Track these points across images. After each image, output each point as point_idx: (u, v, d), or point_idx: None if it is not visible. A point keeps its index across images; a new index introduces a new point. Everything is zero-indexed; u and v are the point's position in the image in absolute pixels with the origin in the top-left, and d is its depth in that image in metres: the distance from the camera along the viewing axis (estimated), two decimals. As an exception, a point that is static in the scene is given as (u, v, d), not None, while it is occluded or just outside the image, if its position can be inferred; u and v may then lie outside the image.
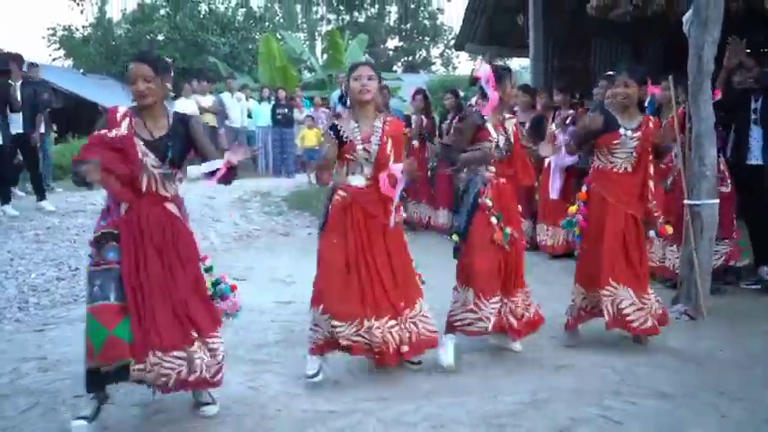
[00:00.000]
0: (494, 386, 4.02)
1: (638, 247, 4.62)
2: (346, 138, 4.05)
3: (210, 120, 14.56)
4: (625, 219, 4.57)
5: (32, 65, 11.89)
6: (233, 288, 3.89)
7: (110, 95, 20.24)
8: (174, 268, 3.51)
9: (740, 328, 5.03)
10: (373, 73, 4.09)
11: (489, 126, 4.41)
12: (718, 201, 5.33)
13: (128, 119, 3.48)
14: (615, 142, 4.55)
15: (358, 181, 4.09)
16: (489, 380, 4.12)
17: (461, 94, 9.31)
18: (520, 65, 26.79)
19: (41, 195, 10.08)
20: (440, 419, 3.58)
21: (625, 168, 4.60)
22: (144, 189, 3.47)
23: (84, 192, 11.68)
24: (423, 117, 8.75)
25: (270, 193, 12.06)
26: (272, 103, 15.47)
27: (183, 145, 3.60)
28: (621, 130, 4.55)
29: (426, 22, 36.97)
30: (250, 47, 24.82)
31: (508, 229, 4.38)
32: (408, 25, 36.82)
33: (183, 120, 3.66)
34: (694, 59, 5.24)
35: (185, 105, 13.73)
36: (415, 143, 8.56)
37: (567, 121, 7.13)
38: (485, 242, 4.34)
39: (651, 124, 4.66)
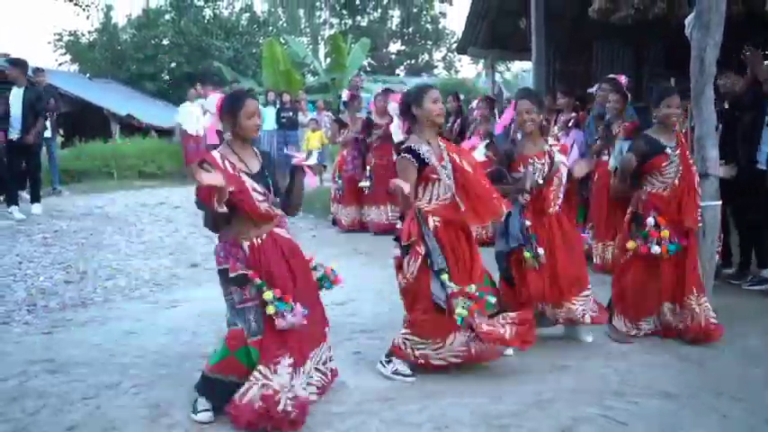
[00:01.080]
0: (497, 386, 4.03)
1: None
2: (427, 160, 4.08)
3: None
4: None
5: (38, 70, 11.96)
6: (335, 282, 4.25)
7: (115, 99, 20.32)
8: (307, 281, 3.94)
9: (741, 329, 5.03)
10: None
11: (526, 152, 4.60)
12: (720, 202, 5.34)
13: (225, 161, 3.66)
14: (664, 164, 4.75)
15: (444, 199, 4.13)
16: (492, 380, 4.13)
17: (461, 97, 9.33)
18: (522, 68, 26.81)
19: (35, 199, 10.11)
20: (443, 420, 3.59)
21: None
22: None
23: (90, 195, 11.75)
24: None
25: (274, 196, 12.05)
26: (277, 106, 15.51)
27: (273, 176, 3.88)
28: (668, 150, 4.75)
29: (428, 26, 37.00)
30: (254, 51, 24.87)
31: (527, 253, 4.52)
32: (410, 29, 36.85)
33: (263, 153, 3.95)
34: (696, 62, 5.24)
35: (191, 109, 13.81)
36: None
37: (570, 124, 7.14)
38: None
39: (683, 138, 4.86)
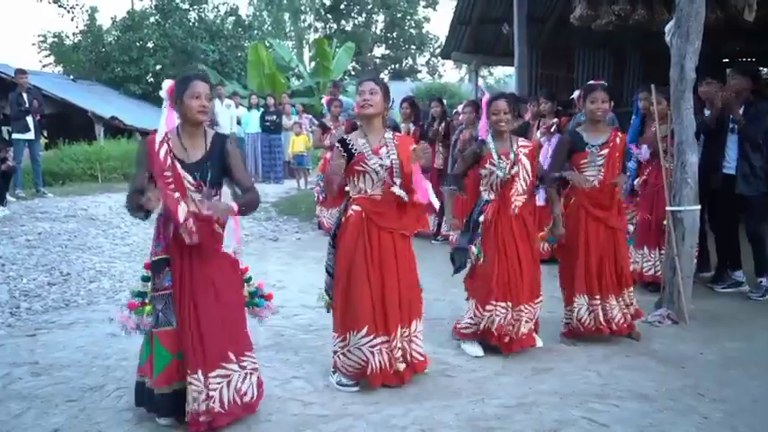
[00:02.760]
0: (481, 389, 4.03)
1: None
2: (355, 150, 4.00)
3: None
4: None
5: (20, 71, 11.84)
6: (268, 297, 3.93)
7: (99, 101, 20.17)
8: (219, 292, 3.52)
9: (718, 331, 5.08)
10: (376, 86, 4.02)
11: (492, 151, 4.56)
12: (699, 207, 5.38)
13: (165, 145, 3.45)
14: (583, 161, 4.77)
15: (374, 193, 4.02)
16: (476, 383, 4.13)
17: (445, 101, 9.34)
18: (504, 73, 26.92)
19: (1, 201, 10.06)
20: (428, 423, 3.58)
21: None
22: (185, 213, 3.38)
23: (74, 197, 11.64)
24: (410, 125, 8.77)
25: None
26: (261, 110, 15.46)
27: (221, 168, 3.56)
28: (588, 149, 4.77)
29: (412, 30, 37.08)
30: (239, 54, 24.79)
31: (474, 249, 4.57)
32: (395, 34, 36.91)
33: (219, 139, 3.62)
34: (676, 69, 5.29)
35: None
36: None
37: (552, 130, 7.17)
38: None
39: (618, 139, 4.82)
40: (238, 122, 15.60)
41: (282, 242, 8.89)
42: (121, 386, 4.08)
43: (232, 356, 3.50)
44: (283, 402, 3.85)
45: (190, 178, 3.45)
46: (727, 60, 13.90)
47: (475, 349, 4.61)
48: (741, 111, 5.91)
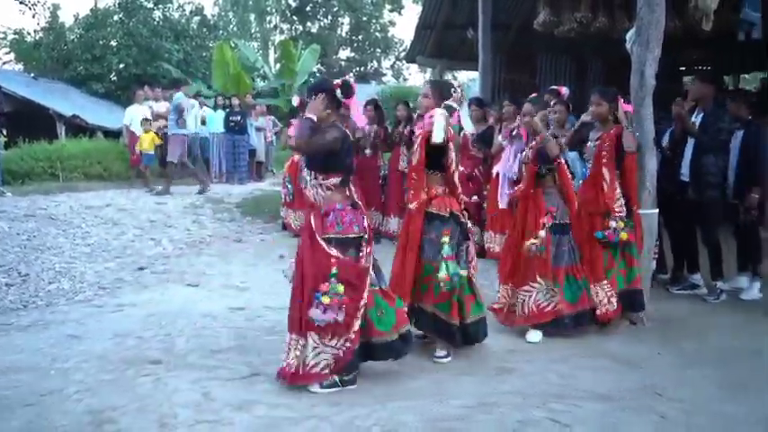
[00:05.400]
0: (443, 390, 4.03)
1: None
2: None
3: (165, 126, 14.31)
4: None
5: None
6: None
7: (61, 100, 19.76)
8: None
9: (675, 332, 5.18)
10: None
11: None
12: (657, 211, 5.47)
13: None
14: None
15: None
16: (439, 383, 4.14)
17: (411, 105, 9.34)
18: (469, 77, 27.03)
19: None
20: (391, 423, 3.57)
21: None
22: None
23: (34, 197, 11.39)
24: (375, 127, 8.76)
25: (222, 200, 11.92)
26: (226, 110, 15.31)
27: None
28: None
29: (378, 34, 37.07)
30: (204, 54, 24.50)
31: None
32: (360, 37, 36.88)
33: None
34: (636, 75, 5.37)
35: (138, 111, 13.51)
36: (368, 152, 8.56)
37: (514, 133, 7.21)
38: None
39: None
40: (203, 122, 15.42)
41: (246, 243, 8.80)
42: (80, 389, 3.99)
43: None
44: (247, 404, 3.81)
45: None
46: (684, 68, 14.20)
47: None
48: (701, 118, 6.02)
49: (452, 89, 4.71)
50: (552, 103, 5.95)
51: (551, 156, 5.01)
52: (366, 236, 4.09)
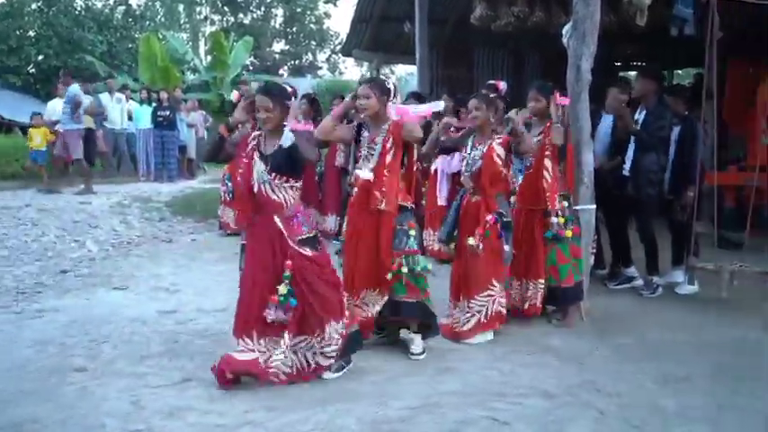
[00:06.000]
0: (383, 391, 4.04)
1: None
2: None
3: (88, 121, 13.93)
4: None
5: None
6: None
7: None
8: None
9: (613, 328, 5.30)
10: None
11: None
12: (594, 206, 5.59)
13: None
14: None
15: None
16: (378, 385, 4.14)
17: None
18: (406, 71, 27.18)
19: None
20: (329, 428, 3.56)
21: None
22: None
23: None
24: (311, 122, 8.70)
25: (151, 199, 11.68)
26: (154, 104, 14.99)
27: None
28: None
29: (313, 26, 36.87)
30: (129, 46, 23.97)
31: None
32: (294, 29, 36.61)
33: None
34: (573, 70, 5.48)
35: (58, 106, 13.09)
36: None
37: (451, 129, 7.26)
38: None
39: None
40: (129, 117, 15.08)
41: (176, 243, 8.65)
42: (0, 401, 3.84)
43: None
44: (178, 412, 3.73)
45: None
46: (619, 63, 14.60)
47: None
48: (643, 116, 6.17)
49: (387, 83, 4.79)
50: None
51: (526, 151, 5.03)
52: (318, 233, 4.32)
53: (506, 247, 4.95)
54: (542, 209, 5.29)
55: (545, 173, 5.25)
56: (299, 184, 4.15)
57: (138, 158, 15.12)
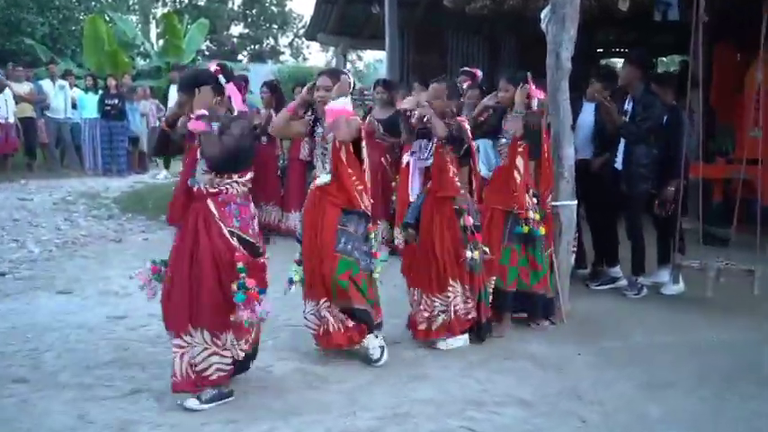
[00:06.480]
0: (352, 401, 4.03)
1: None
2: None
3: (28, 110, 13.72)
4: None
5: None
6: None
7: None
8: None
9: (596, 331, 5.36)
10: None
11: None
12: (576, 202, 5.63)
13: None
14: None
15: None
16: (347, 394, 4.13)
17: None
18: (375, 57, 27.18)
19: None
20: (295, 441, 3.55)
21: None
22: None
23: None
24: (272, 111, 8.65)
25: (98, 195, 11.55)
26: (100, 92, 14.79)
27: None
28: None
29: (274, 8, 36.69)
30: (73, 28, 23.60)
31: None
32: (254, 11, 36.38)
33: None
34: (552, 56, 5.50)
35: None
36: (264, 139, 8.43)
37: (425, 120, 7.27)
38: None
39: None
40: (74, 106, 14.86)
41: (127, 243, 8.55)
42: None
43: None
44: (129, 425, 3.69)
45: None
46: (601, 50, 14.73)
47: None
48: (630, 104, 6.22)
49: (348, 77, 4.72)
50: (466, 86, 6.04)
51: (437, 135, 4.95)
52: (258, 244, 4.05)
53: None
54: (511, 207, 5.18)
55: (515, 172, 5.15)
56: (246, 178, 4.01)
57: (83, 150, 14.91)
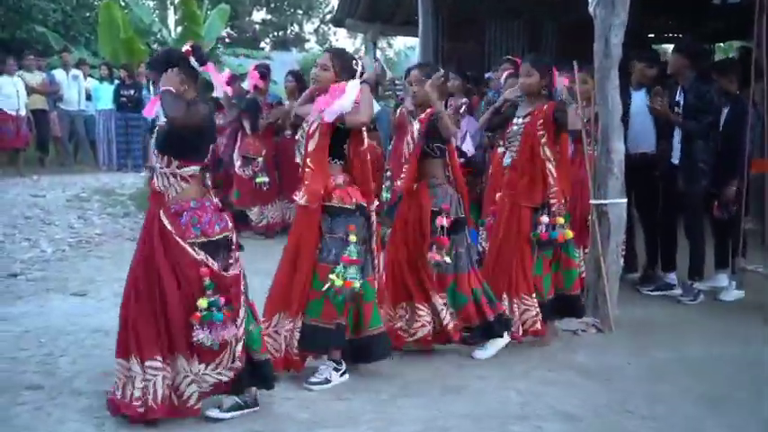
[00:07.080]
0: (383, 413, 4.03)
1: None
2: None
3: (39, 102, 13.90)
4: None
5: None
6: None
7: None
8: None
9: (647, 340, 5.31)
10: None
11: None
12: (626, 200, 5.58)
13: None
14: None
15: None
16: (378, 406, 4.13)
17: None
18: (406, 44, 27.16)
19: None
20: (322, 457, 3.57)
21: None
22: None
23: None
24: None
25: (114, 191, 11.67)
26: (116, 82, 14.94)
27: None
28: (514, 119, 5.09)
29: (298, -8, 36.89)
30: (87, 15, 23.89)
31: None
32: (278, -4, 36.61)
33: None
34: (600, 42, 5.44)
35: (5, 83, 13.06)
36: (288, 133, 8.47)
37: (462, 110, 7.26)
38: None
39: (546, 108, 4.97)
40: (88, 97, 15.03)
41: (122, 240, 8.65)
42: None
43: None
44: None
45: None
46: (652, 36, 14.57)
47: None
48: (681, 95, 6.15)
49: (354, 62, 4.51)
50: (506, 75, 6.01)
51: (445, 135, 4.82)
52: (232, 236, 3.92)
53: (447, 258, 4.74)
54: (537, 206, 4.98)
55: (547, 163, 4.92)
56: (189, 170, 3.84)
57: (98, 144, 15.08)
